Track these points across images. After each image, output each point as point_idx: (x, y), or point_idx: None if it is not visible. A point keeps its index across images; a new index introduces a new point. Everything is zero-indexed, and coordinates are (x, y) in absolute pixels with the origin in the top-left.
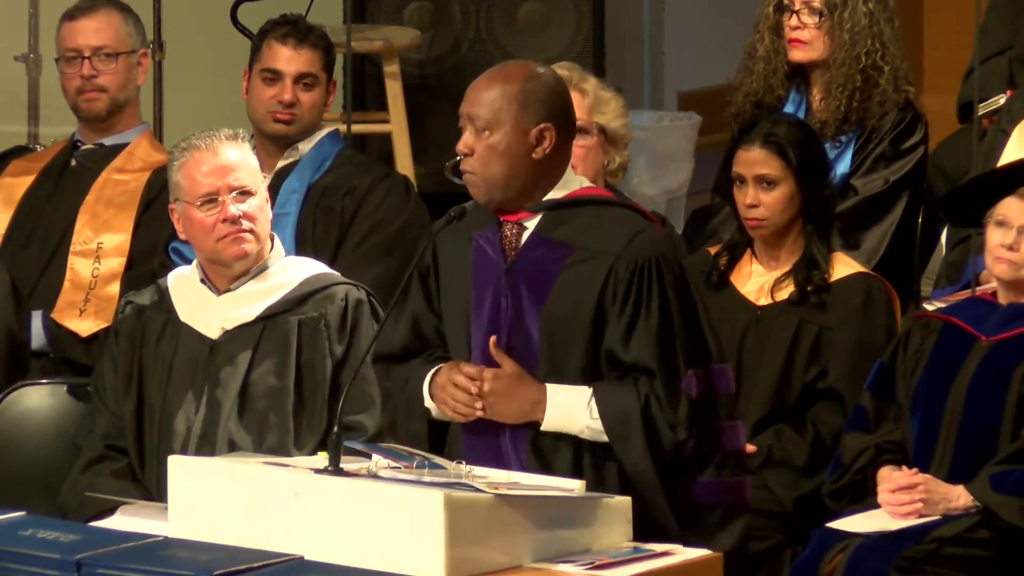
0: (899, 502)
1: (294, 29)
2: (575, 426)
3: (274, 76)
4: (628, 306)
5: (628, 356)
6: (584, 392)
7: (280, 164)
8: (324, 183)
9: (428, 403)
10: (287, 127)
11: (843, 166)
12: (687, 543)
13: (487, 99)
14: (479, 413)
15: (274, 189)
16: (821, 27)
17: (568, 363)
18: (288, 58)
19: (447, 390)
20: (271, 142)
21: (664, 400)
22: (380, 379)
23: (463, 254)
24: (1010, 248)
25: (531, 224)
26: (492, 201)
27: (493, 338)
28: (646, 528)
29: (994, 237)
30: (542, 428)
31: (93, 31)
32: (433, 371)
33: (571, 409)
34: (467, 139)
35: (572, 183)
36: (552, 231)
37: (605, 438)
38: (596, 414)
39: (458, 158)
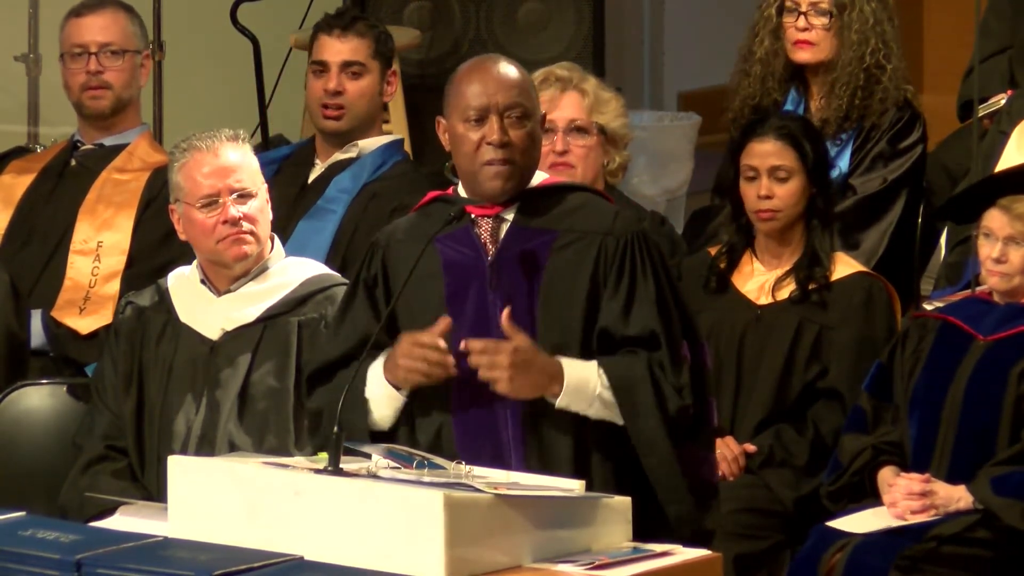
0: (910, 508)
1: (339, 19)
2: (587, 397)
3: (323, 68)
4: (623, 281)
5: (629, 329)
6: (591, 365)
7: (338, 156)
8: (375, 188)
9: (375, 391)
10: (337, 123)
11: (842, 164)
12: (692, 518)
13: (519, 88)
14: (453, 371)
15: (325, 180)
16: (831, 28)
17: (567, 346)
18: (333, 48)
19: (415, 353)
20: (326, 140)
21: (668, 366)
22: (305, 399)
23: (425, 260)
24: (998, 261)
25: (509, 216)
26: (512, 193)
27: (507, 309)
28: (644, 520)
29: (983, 250)
30: (557, 403)
31: (100, 28)
32: (386, 354)
33: (585, 380)
34: (502, 128)
35: (537, 174)
36: (530, 220)
37: (611, 414)
38: (607, 383)
39: None
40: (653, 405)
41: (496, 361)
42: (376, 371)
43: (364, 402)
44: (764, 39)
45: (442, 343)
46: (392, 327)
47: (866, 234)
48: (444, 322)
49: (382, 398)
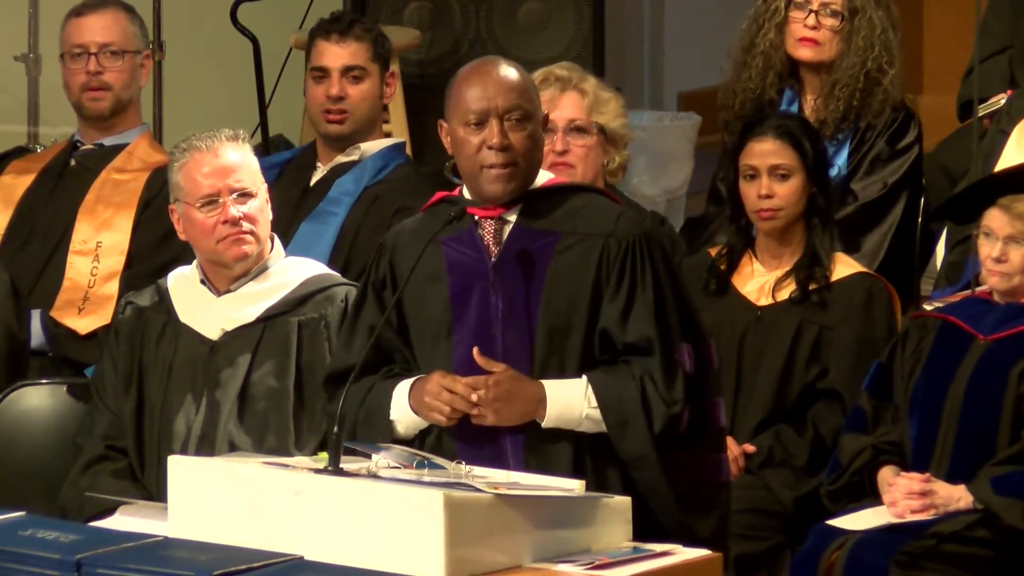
0: (910, 508)
1: (337, 24)
2: (574, 418)
3: (323, 74)
4: (623, 285)
5: (627, 336)
6: (579, 383)
7: (340, 159)
8: (376, 191)
9: (400, 414)
10: (340, 127)
11: (839, 164)
12: (682, 527)
13: (519, 90)
14: (475, 411)
15: (327, 183)
16: (839, 31)
17: (568, 348)
18: (333, 53)
19: (442, 397)
20: (328, 144)
21: (660, 378)
22: (324, 403)
23: (430, 261)
24: (998, 260)
25: (512, 217)
26: (514, 194)
27: (476, 349)
28: (642, 520)
29: (983, 250)
30: (544, 425)
31: (101, 28)
32: (413, 381)
33: (570, 402)
34: (502, 132)
35: (541, 174)
36: (533, 221)
37: (601, 429)
38: (594, 403)
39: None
40: (642, 423)
41: (479, 397)
42: (401, 395)
43: (389, 423)
44: (769, 31)
45: (474, 396)
46: (401, 327)
47: (867, 238)
48: (477, 379)
49: (406, 421)
